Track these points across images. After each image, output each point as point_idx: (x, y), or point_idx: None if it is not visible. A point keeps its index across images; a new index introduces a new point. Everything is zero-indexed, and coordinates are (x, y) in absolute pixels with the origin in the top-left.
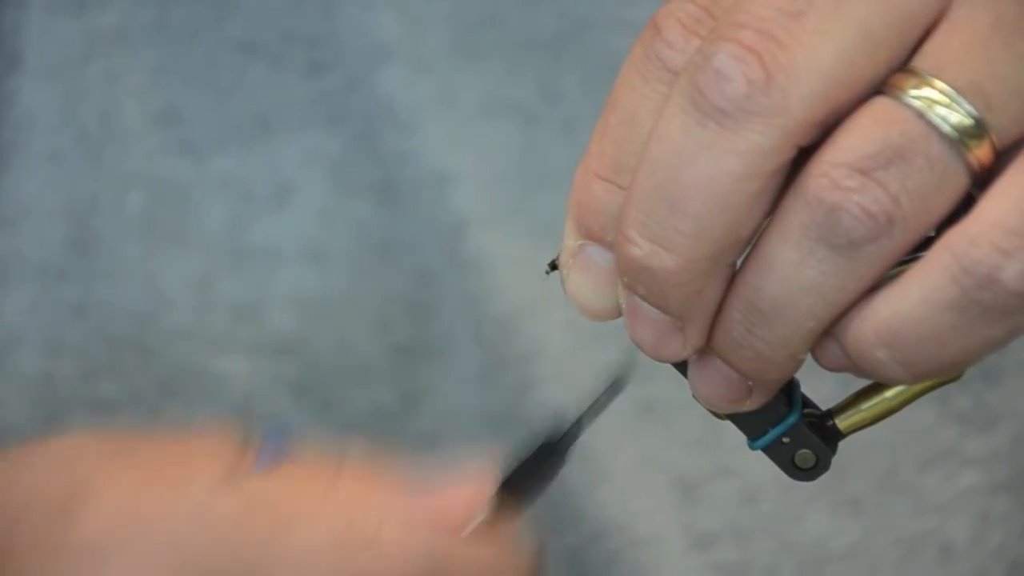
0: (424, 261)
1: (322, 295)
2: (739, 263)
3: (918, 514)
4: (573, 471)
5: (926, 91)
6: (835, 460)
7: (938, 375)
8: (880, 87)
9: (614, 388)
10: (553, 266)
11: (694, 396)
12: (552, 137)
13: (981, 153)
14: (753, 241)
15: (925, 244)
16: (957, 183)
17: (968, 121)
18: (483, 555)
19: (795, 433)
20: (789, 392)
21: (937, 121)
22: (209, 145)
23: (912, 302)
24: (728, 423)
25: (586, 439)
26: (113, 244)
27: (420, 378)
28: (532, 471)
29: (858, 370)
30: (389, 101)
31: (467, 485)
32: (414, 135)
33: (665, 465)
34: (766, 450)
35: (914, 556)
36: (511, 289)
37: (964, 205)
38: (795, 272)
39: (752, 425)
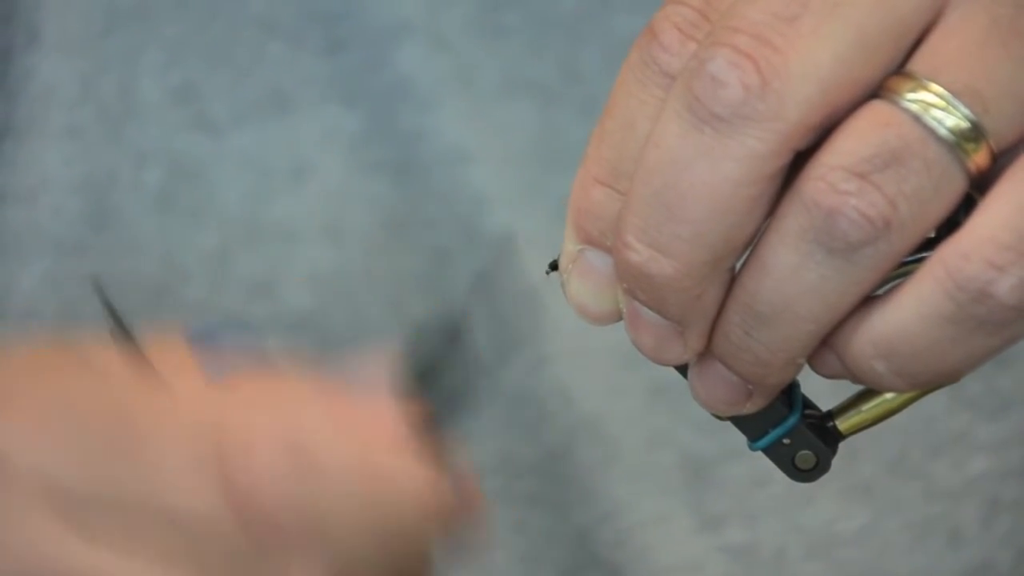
0: (440, 239)
1: (338, 272)
2: (738, 267)
3: (928, 499)
4: (583, 450)
5: (922, 94)
6: (846, 445)
7: (936, 384)
8: (876, 90)
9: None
10: (553, 266)
11: (694, 398)
12: (571, 116)
13: (978, 156)
14: (751, 245)
15: (926, 245)
16: (954, 186)
17: (964, 124)
18: (415, 469)
19: (795, 434)
20: (789, 393)
21: (933, 124)
22: (227, 122)
23: (908, 315)
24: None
25: (597, 420)
26: (131, 219)
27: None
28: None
29: (855, 380)
30: (408, 79)
31: (389, 396)
32: (432, 113)
33: (675, 446)
34: (766, 451)
35: (923, 541)
36: (526, 267)
37: (964, 206)
38: (793, 275)
39: (752, 426)
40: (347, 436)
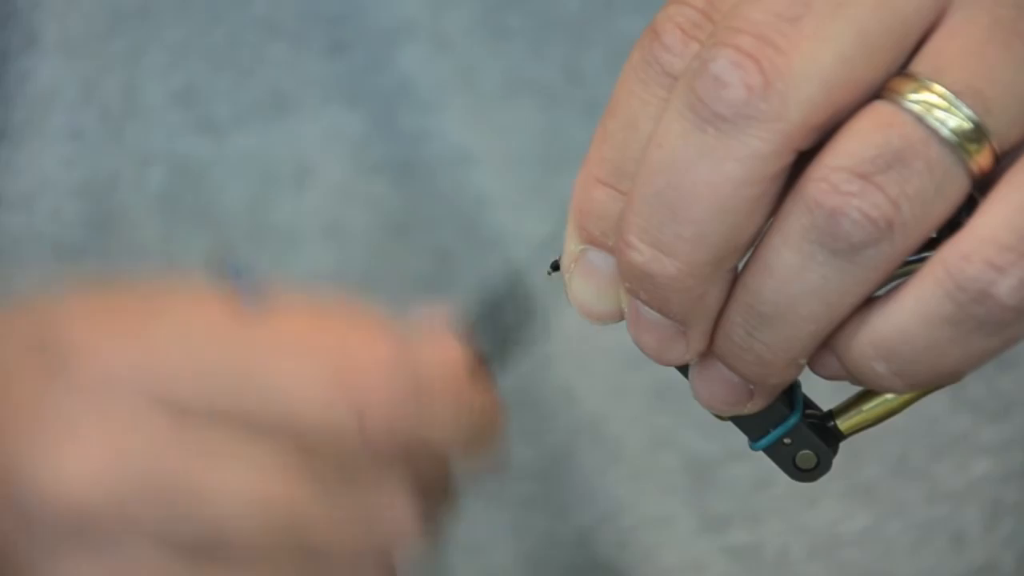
0: (442, 240)
1: (339, 273)
2: (740, 267)
3: (930, 501)
4: (585, 451)
5: (925, 95)
6: (848, 446)
7: (936, 385)
8: (879, 91)
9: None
10: (555, 267)
11: (695, 399)
12: (574, 117)
13: (981, 157)
14: (754, 245)
15: (928, 245)
16: (957, 186)
17: (967, 125)
18: (484, 399)
19: (796, 434)
20: (790, 393)
21: (936, 125)
22: (229, 123)
23: (908, 316)
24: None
25: (599, 421)
26: (133, 221)
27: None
28: (503, 328)
29: (855, 381)
30: (410, 80)
31: (443, 338)
32: (435, 114)
33: (678, 447)
34: (767, 451)
35: (926, 543)
36: (528, 269)
37: (966, 207)
38: (796, 276)
39: (753, 426)
40: (440, 364)
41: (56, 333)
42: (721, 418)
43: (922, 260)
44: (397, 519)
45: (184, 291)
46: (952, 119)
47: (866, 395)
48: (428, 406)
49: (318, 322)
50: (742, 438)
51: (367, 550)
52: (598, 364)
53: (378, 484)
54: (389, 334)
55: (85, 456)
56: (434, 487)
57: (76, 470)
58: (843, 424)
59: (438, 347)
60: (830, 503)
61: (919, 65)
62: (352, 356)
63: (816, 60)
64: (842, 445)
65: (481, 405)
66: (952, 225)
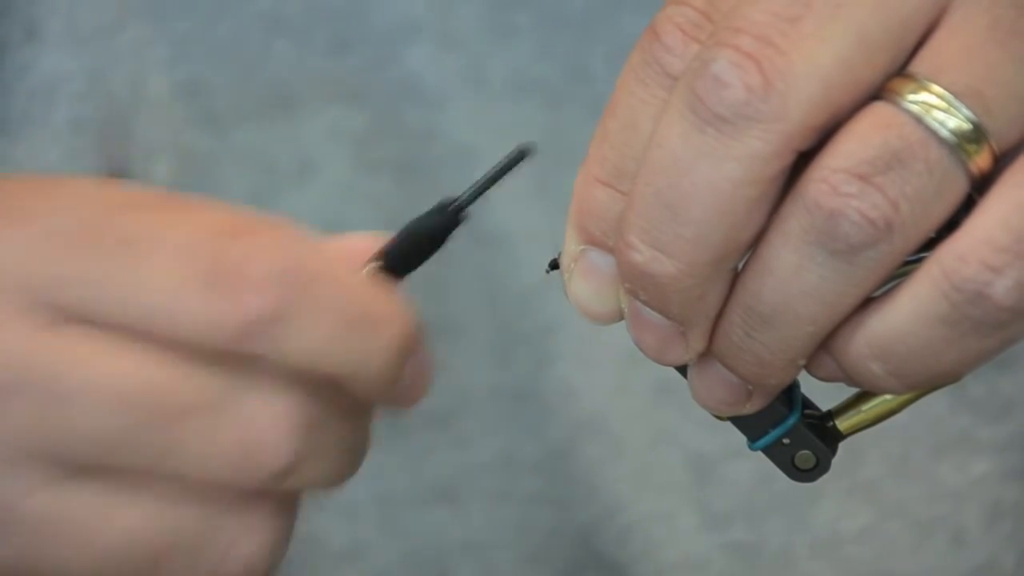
0: None
1: None
2: (740, 268)
3: (931, 500)
4: (587, 448)
5: (924, 95)
6: (849, 445)
7: (933, 385)
8: (878, 92)
9: (516, 157)
10: (553, 265)
11: (694, 399)
12: (578, 116)
13: (980, 157)
14: (754, 246)
15: (927, 245)
16: (956, 187)
17: (966, 125)
18: (363, 291)
19: (795, 434)
20: (789, 393)
21: (935, 126)
22: (233, 119)
23: (904, 317)
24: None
25: (601, 417)
26: None
27: (435, 354)
28: (423, 232)
29: (852, 382)
30: (415, 78)
31: (360, 239)
32: (439, 112)
33: (680, 444)
34: (766, 451)
35: (926, 541)
36: (528, 266)
37: (965, 207)
38: (795, 276)
39: (752, 426)
40: (329, 262)
41: None
42: (720, 418)
43: (920, 260)
44: (268, 443)
45: (67, 185)
46: (951, 120)
47: (865, 395)
48: (315, 309)
49: (209, 217)
50: (743, 436)
51: (234, 468)
52: (600, 361)
53: (252, 396)
54: (287, 236)
55: None
56: (329, 418)
57: None
58: (842, 424)
59: (338, 246)
60: (831, 501)
61: (918, 66)
62: (235, 251)
63: (816, 60)
64: (843, 444)
65: (382, 316)
66: (951, 225)
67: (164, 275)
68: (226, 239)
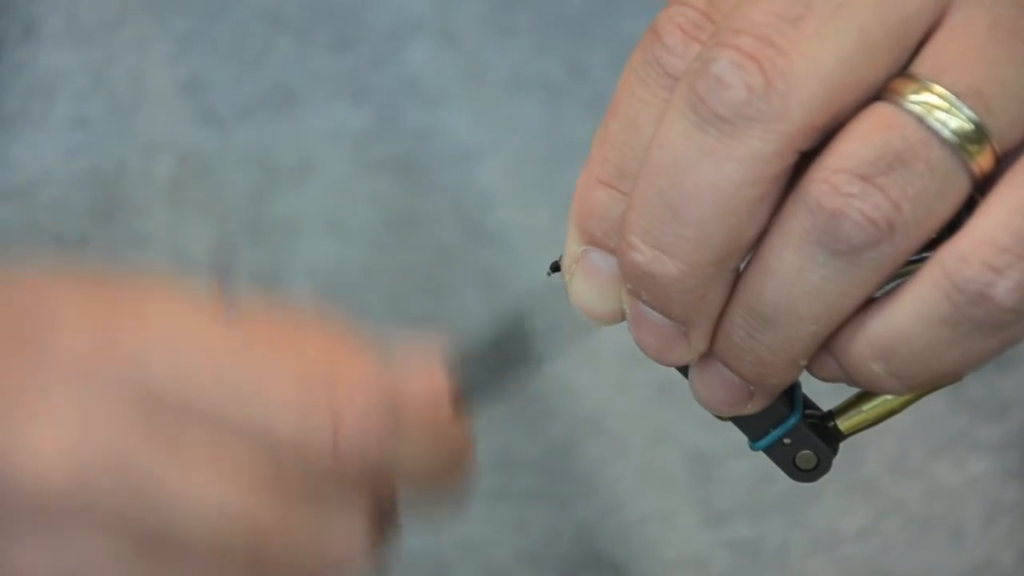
0: (443, 236)
1: (340, 268)
2: (742, 268)
3: (930, 499)
4: (587, 446)
5: (925, 96)
6: (848, 444)
7: (934, 385)
8: (880, 92)
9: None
10: (555, 267)
11: (695, 399)
12: (578, 114)
13: (982, 158)
14: (755, 246)
15: (929, 245)
16: (958, 188)
17: (968, 126)
18: (461, 433)
19: (796, 434)
20: (790, 393)
21: (937, 126)
22: (233, 116)
23: (906, 317)
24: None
25: (601, 416)
26: (140, 210)
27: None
28: (494, 368)
29: (853, 382)
30: (415, 76)
31: (429, 368)
32: (439, 110)
33: (680, 442)
34: (767, 451)
35: (925, 540)
36: (530, 265)
37: (967, 207)
38: (797, 277)
39: (753, 426)
40: (421, 393)
41: (42, 309)
42: (721, 418)
43: (922, 261)
44: (350, 542)
45: (175, 287)
46: (953, 120)
47: (866, 395)
48: (402, 434)
49: (304, 333)
50: (744, 435)
51: (316, 568)
52: (600, 359)
53: (338, 504)
54: (374, 355)
55: (54, 434)
56: (387, 514)
57: (43, 447)
58: (843, 424)
59: (422, 376)
60: (831, 499)
61: (920, 66)
62: (334, 371)
63: (817, 61)
64: (842, 443)
65: (454, 441)
66: (953, 226)
67: (271, 382)
68: (329, 354)
